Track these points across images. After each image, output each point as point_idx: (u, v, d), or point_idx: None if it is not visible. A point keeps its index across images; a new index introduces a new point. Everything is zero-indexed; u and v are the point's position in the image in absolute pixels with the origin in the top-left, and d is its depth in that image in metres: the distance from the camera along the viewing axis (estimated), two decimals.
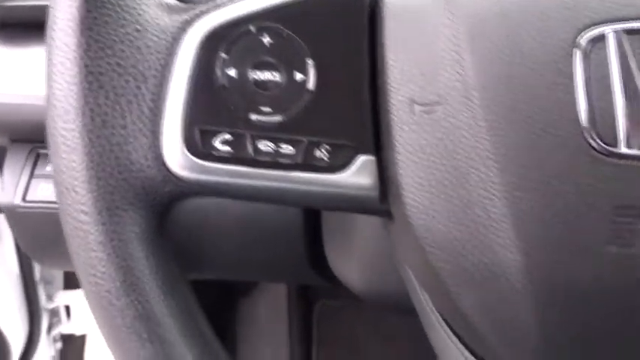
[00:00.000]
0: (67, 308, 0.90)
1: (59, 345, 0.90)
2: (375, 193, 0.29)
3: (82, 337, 0.92)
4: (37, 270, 0.83)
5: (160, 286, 0.30)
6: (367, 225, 0.45)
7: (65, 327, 0.90)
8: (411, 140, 0.27)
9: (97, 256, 0.29)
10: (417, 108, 0.27)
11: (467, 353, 0.32)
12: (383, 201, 0.29)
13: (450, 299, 0.29)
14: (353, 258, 0.48)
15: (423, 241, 0.28)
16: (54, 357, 0.89)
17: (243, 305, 0.90)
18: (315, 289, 0.94)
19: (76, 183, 0.28)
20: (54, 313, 0.88)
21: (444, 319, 0.32)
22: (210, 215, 0.49)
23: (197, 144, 0.29)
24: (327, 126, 0.29)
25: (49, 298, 0.86)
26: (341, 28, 0.29)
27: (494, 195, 0.26)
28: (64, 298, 0.88)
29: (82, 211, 0.28)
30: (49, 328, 0.88)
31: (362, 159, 0.29)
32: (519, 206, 0.26)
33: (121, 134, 0.28)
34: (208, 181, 0.29)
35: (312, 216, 0.51)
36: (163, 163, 0.29)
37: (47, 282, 0.85)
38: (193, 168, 0.29)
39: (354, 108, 0.29)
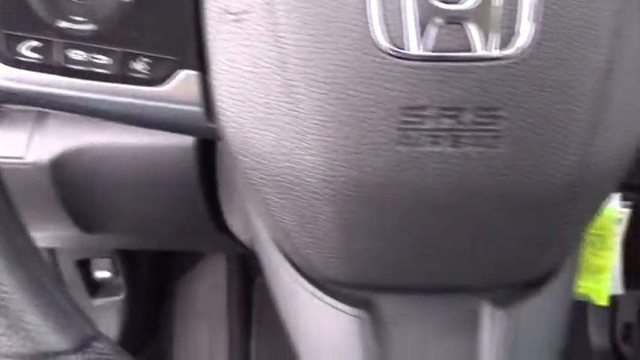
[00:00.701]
0: None
1: None
2: (200, 110, 0.29)
3: None
4: None
5: None
6: None
7: None
8: (224, 49, 0.28)
9: None
10: (229, 17, 0.28)
11: (298, 276, 0.32)
12: (210, 118, 0.30)
13: (268, 211, 0.29)
14: (236, 208, 0.48)
15: (237, 150, 0.28)
16: None
17: (181, 282, 0.90)
18: (254, 265, 0.93)
19: None
20: None
21: (277, 245, 0.33)
22: (102, 172, 0.49)
23: (1, 50, 0.28)
24: (146, 38, 0.28)
25: None
26: None
27: (294, 99, 0.27)
28: None
29: None
30: None
31: (185, 73, 0.29)
32: (317, 109, 0.27)
33: None
34: (17, 88, 0.29)
35: (209, 172, 0.51)
36: None
37: None
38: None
39: (175, 21, 0.29)
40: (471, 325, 0.32)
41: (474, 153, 0.26)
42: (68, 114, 0.31)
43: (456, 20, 0.26)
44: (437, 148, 0.26)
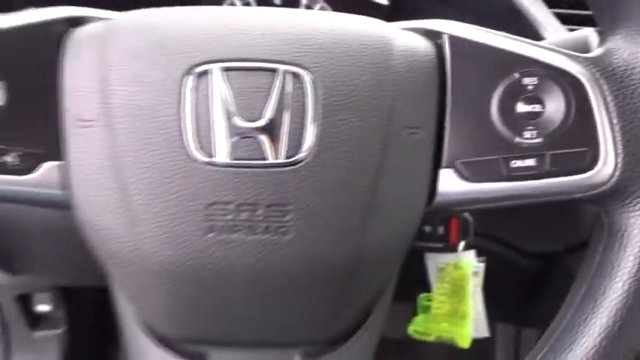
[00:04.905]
0: None
1: None
2: (60, 192, 0.36)
3: None
4: None
5: None
6: None
7: None
8: (77, 148, 0.35)
9: None
10: (80, 124, 0.34)
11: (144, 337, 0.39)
12: (67, 196, 0.36)
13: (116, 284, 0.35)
14: None
15: (85, 226, 0.35)
16: None
17: None
18: None
19: None
20: None
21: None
22: (18, 218, 0.54)
23: None
24: (17, 137, 0.35)
25: None
26: (31, 56, 0.35)
27: (127, 187, 0.33)
28: None
29: None
30: None
31: (49, 164, 0.35)
32: (140, 206, 0.33)
33: None
34: None
35: None
36: None
37: None
38: None
39: (42, 123, 0.35)
40: None
41: (266, 240, 0.33)
42: None
43: (252, 134, 0.32)
44: (235, 236, 0.33)
